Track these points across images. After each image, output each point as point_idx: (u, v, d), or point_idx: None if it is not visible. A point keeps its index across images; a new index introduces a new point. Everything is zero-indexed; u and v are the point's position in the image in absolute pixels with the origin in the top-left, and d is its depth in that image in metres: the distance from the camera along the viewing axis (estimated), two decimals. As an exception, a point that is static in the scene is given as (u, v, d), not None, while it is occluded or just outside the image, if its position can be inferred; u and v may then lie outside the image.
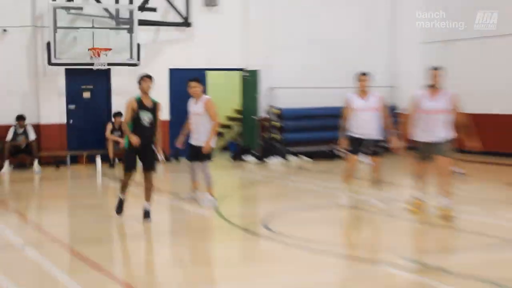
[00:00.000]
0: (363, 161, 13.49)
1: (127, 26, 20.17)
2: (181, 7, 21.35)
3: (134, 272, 9.18)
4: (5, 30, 19.60)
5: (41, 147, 19.85)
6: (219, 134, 21.73)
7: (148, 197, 11.79)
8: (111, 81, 20.66)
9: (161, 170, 18.85)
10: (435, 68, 11.77)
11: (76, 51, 19.72)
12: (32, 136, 19.30)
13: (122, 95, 11.95)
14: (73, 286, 7.98)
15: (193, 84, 13.24)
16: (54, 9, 19.19)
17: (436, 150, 11.62)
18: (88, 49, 19.61)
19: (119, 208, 11.80)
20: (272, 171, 19.36)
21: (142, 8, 20.58)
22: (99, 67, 19.70)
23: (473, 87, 20.23)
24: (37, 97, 20.10)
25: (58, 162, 19.89)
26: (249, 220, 12.45)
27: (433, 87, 11.68)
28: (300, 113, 22.27)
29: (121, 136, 18.29)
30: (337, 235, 11.38)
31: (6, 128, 19.16)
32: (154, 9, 20.91)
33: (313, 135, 22.25)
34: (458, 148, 12.03)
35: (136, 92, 11.70)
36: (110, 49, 19.74)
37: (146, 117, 11.52)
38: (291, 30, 22.52)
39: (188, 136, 13.59)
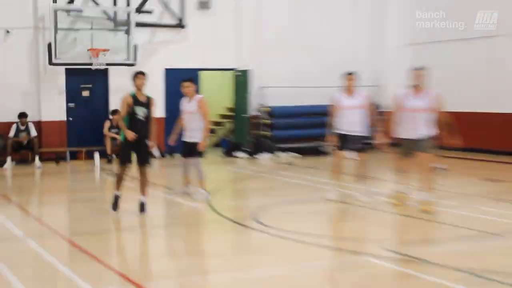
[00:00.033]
0: (349, 157, 13.49)
1: (125, 28, 20.15)
2: (176, 10, 21.33)
3: (130, 263, 9.19)
4: (8, 31, 19.51)
5: (42, 143, 19.81)
6: (211, 131, 21.72)
7: (143, 191, 11.78)
8: (109, 80, 20.61)
9: (157, 165, 18.85)
10: (418, 68, 11.80)
11: (75, 51, 19.70)
12: (33, 132, 19.26)
13: (120, 94, 11.93)
14: (71, 276, 7.95)
15: (186, 84, 13.24)
16: (55, 11, 19.22)
17: (417, 147, 11.65)
18: (87, 50, 19.62)
19: (115, 205, 11.73)
20: (262, 166, 19.34)
21: (138, 10, 20.55)
22: (98, 67, 19.71)
23: (454, 86, 20.23)
24: (39, 95, 20.03)
25: (58, 157, 19.84)
26: (240, 213, 12.46)
27: (416, 87, 11.69)
28: (289, 111, 22.28)
29: (118, 133, 18.23)
30: (324, 227, 11.38)
31: (9, 125, 19.12)
32: (150, 12, 20.88)
33: (301, 132, 22.25)
34: (440, 144, 12.05)
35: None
36: (108, 50, 19.77)
37: (141, 112, 11.52)
38: (281, 32, 22.52)
39: (180, 134, 13.60)
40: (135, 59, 19.90)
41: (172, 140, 13.79)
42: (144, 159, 11.77)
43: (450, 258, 8.75)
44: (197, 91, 13.99)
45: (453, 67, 21.49)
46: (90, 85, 20.69)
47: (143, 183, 11.79)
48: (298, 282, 7.89)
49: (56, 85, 20.11)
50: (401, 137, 11.86)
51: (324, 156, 19.89)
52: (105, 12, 20.29)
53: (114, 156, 19.27)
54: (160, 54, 21.23)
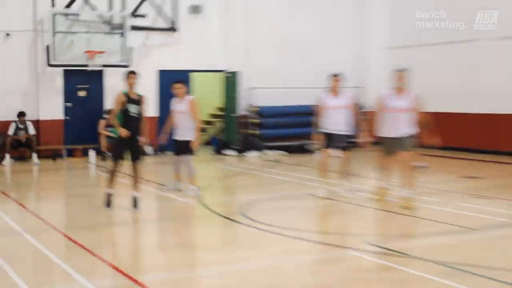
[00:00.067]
0: (334, 155, 13.44)
1: (120, 31, 20.12)
2: (169, 14, 21.28)
3: (123, 256, 9.13)
4: (8, 34, 19.40)
5: (40, 141, 19.70)
6: (202, 130, 21.66)
7: (136, 187, 11.70)
8: (105, 81, 20.52)
9: (149, 163, 18.77)
10: (401, 70, 11.78)
11: (73, 53, 19.62)
12: (31, 131, 19.17)
13: (115, 94, 11.93)
14: (67, 269, 7.88)
15: (177, 85, 13.28)
16: (53, 15, 19.24)
17: (399, 145, 11.62)
18: (84, 52, 19.57)
19: (108, 203, 11.61)
20: (250, 163, 19.29)
21: (133, 14, 20.51)
22: (94, 68, 19.71)
23: (434, 88, 20.21)
24: (37, 95, 19.94)
25: (55, 155, 19.78)
26: (229, 208, 12.41)
27: (399, 88, 11.67)
28: (276, 111, 22.25)
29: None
30: (309, 222, 11.34)
31: (8, 123, 19.00)
32: (144, 16, 20.82)
33: (288, 131, 22.24)
34: (420, 143, 12.03)
35: (128, 91, 11.67)
36: (104, 52, 19.74)
37: (134, 109, 11.49)
38: (269, 35, 22.55)
39: (171, 133, 13.57)
40: (129, 61, 19.82)
41: (162, 139, 13.78)
42: (137, 155, 11.70)
43: (430, 251, 8.74)
44: (188, 92, 13.95)
45: (433, 69, 21.50)
46: (87, 86, 20.61)
47: (136, 179, 11.71)
48: (284, 274, 7.84)
49: (54, 86, 20.03)
50: (384, 135, 11.83)
51: (310, 154, 19.86)
52: (101, 16, 20.20)
53: (109, 153, 19.18)
54: (153, 56, 21.18)
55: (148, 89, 18.53)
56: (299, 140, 21.59)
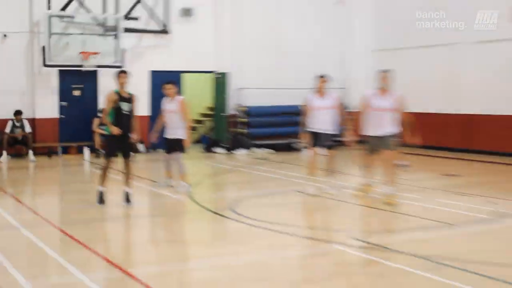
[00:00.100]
0: (320, 153, 13.44)
1: (113, 33, 20.03)
2: (161, 17, 21.24)
3: (115, 250, 9.10)
4: (5, 35, 19.33)
5: (35, 139, 19.62)
6: (193, 129, 21.65)
7: (128, 183, 11.65)
8: (99, 81, 20.42)
9: (141, 160, 18.73)
10: (384, 71, 11.80)
11: (68, 54, 19.56)
12: (28, 129, 19.14)
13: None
14: (62, 263, 7.86)
15: (168, 86, 13.32)
16: (49, 17, 19.19)
17: (383, 144, 11.64)
18: (79, 53, 19.51)
19: (101, 200, 11.50)
20: (239, 161, 19.28)
21: (126, 17, 20.45)
22: (88, 68, 19.65)
23: (416, 89, 20.23)
24: (33, 94, 19.85)
25: (50, 152, 19.68)
26: (219, 204, 12.42)
27: (382, 88, 11.69)
28: (264, 111, 22.21)
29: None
30: (296, 217, 11.31)
31: (5, 121, 18.95)
32: (137, 18, 20.77)
33: (275, 130, 22.20)
34: (402, 142, 12.05)
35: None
36: (98, 53, 19.68)
37: (125, 107, 11.43)
38: (257, 38, 22.48)
39: (162, 131, 13.58)
40: (122, 62, 19.77)
41: (153, 137, 13.79)
42: (128, 152, 11.64)
43: (410, 246, 8.75)
44: (179, 92, 13.95)
45: (415, 71, 21.51)
46: (81, 85, 20.51)
47: (128, 176, 11.66)
48: (271, 268, 7.83)
49: (49, 85, 19.94)
50: (368, 134, 11.84)
51: (296, 152, 19.89)
52: (95, 19, 20.11)
53: (102, 151, 19.13)
54: (146, 58, 21.10)
55: (140, 89, 18.49)
56: (286, 139, 21.58)
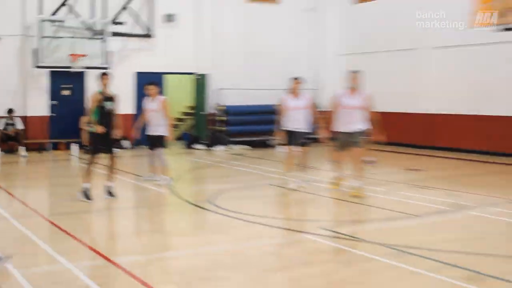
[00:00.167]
0: (295, 150, 13.39)
1: (101, 37, 19.90)
2: (146, 22, 21.12)
3: (101, 240, 8.98)
4: (-1, 38, 19.22)
5: (27, 135, 19.49)
6: (174, 126, 21.56)
7: (110, 177, 11.52)
8: (86, 81, 20.24)
9: (126, 156, 18.60)
10: (354, 72, 11.78)
11: (58, 56, 19.40)
12: (20, 126, 19.05)
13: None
14: (50, 252, 7.75)
15: (150, 87, 13.35)
16: (41, 22, 19.09)
17: (352, 140, 11.60)
18: (68, 55, 19.38)
19: (87, 197, 11.19)
20: (217, 157, 19.20)
21: (113, 22, 20.35)
22: (77, 70, 19.53)
23: (382, 90, 20.21)
24: (25, 94, 19.71)
25: (41, 148, 19.58)
26: (198, 197, 12.34)
27: (352, 88, 11.67)
28: (241, 110, 22.18)
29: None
30: (270, 209, 11.25)
31: (-2, 119, 18.81)
32: (123, 23, 20.67)
33: (252, 127, 22.17)
34: (370, 139, 12.04)
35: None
36: (86, 55, 19.56)
37: (109, 106, 11.31)
38: (235, 42, 22.53)
39: (144, 128, 13.57)
40: (109, 63, 19.63)
41: (135, 134, 13.84)
42: (111, 147, 11.49)
43: (378, 235, 8.75)
44: (161, 92, 13.90)
45: (381, 73, 21.55)
46: (70, 86, 20.38)
47: (111, 170, 11.53)
48: (248, 256, 7.77)
49: (40, 85, 19.81)
50: (339, 131, 11.80)
51: (271, 149, 19.87)
52: (84, 23, 19.95)
53: (88, 147, 19.00)
54: (131, 60, 21.00)
55: (125, 89, 18.47)
56: (261, 136, 21.51)
